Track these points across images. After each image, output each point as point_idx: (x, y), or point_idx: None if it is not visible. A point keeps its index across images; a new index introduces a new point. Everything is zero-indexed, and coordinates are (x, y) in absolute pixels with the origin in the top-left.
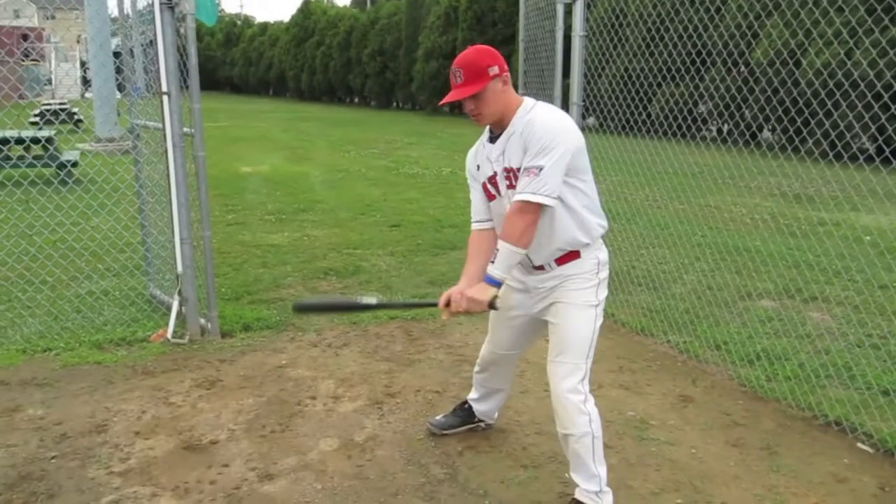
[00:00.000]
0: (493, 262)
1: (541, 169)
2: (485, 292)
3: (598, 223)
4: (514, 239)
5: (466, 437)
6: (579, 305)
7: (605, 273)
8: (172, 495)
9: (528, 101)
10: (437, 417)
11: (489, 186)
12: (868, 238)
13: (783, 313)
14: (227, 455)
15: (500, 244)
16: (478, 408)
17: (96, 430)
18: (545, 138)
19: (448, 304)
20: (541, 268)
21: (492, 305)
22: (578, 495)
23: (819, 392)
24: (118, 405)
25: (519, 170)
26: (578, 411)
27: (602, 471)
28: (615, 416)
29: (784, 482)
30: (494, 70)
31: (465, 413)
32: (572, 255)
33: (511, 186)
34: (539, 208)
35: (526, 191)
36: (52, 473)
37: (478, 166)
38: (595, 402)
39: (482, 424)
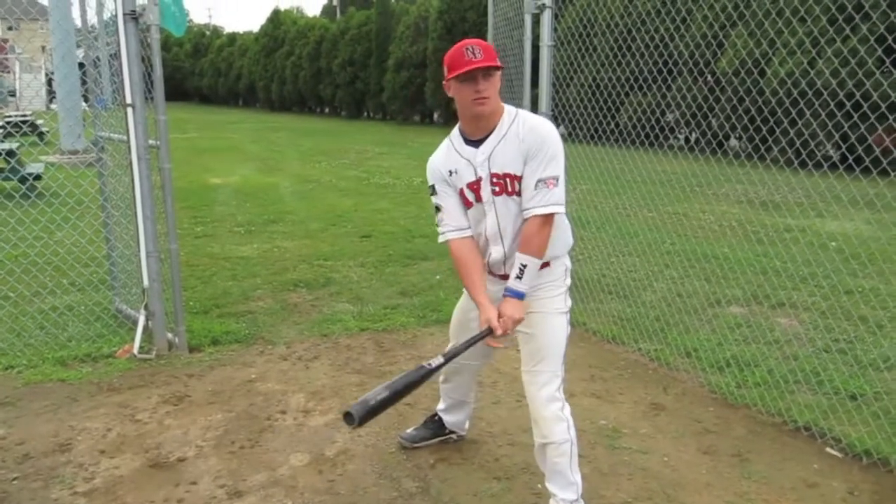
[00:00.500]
0: (518, 277)
1: (557, 179)
2: (521, 309)
3: (572, 233)
4: (540, 254)
5: (438, 449)
6: (552, 313)
7: (569, 281)
8: None
9: (510, 108)
10: (409, 430)
11: (467, 192)
12: (833, 244)
13: (752, 320)
14: (195, 472)
15: (527, 259)
16: (447, 419)
17: (60, 449)
18: (554, 147)
19: (495, 331)
20: (505, 277)
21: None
22: None
23: (788, 398)
24: (83, 423)
25: (518, 177)
26: (558, 419)
27: (578, 478)
28: (587, 426)
29: (755, 489)
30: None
31: (435, 425)
32: (544, 264)
33: (499, 193)
34: (551, 220)
35: (550, 203)
36: (14, 495)
37: (451, 171)
38: (570, 408)
39: (453, 436)
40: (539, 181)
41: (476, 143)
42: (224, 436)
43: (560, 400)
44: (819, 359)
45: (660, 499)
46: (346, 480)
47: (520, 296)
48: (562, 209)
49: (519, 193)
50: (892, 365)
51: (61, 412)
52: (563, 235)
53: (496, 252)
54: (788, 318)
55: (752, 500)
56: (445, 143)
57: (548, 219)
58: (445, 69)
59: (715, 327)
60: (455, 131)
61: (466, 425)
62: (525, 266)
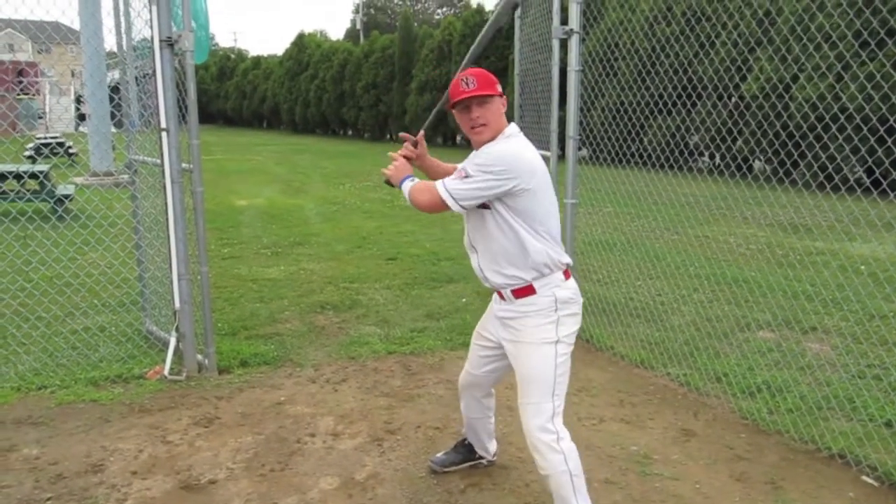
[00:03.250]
0: (412, 179)
1: (467, 176)
2: (399, 174)
3: (552, 259)
4: (411, 195)
5: (468, 474)
6: (535, 343)
7: (567, 311)
8: None
9: (511, 128)
10: (439, 455)
11: None
12: (863, 268)
13: (782, 344)
14: (226, 495)
15: (415, 183)
16: (473, 442)
17: (92, 469)
18: (488, 159)
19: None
20: (501, 296)
21: (388, 183)
22: None
23: (822, 424)
24: (115, 444)
25: None
26: (551, 450)
27: None
28: (618, 451)
29: None
30: (499, 88)
31: (465, 449)
32: (527, 291)
33: (465, 209)
34: (439, 202)
35: (447, 183)
36: None
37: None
38: (570, 439)
39: (483, 461)
40: (461, 167)
41: None
42: (254, 458)
43: (553, 432)
44: (853, 385)
45: None
46: None
47: (408, 177)
48: (449, 200)
49: (487, 206)
50: None
51: (93, 433)
52: (532, 255)
53: (473, 261)
54: (819, 344)
55: None
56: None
57: (433, 191)
58: (448, 100)
59: (745, 352)
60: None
61: (493, 449)
62: (412, 179)
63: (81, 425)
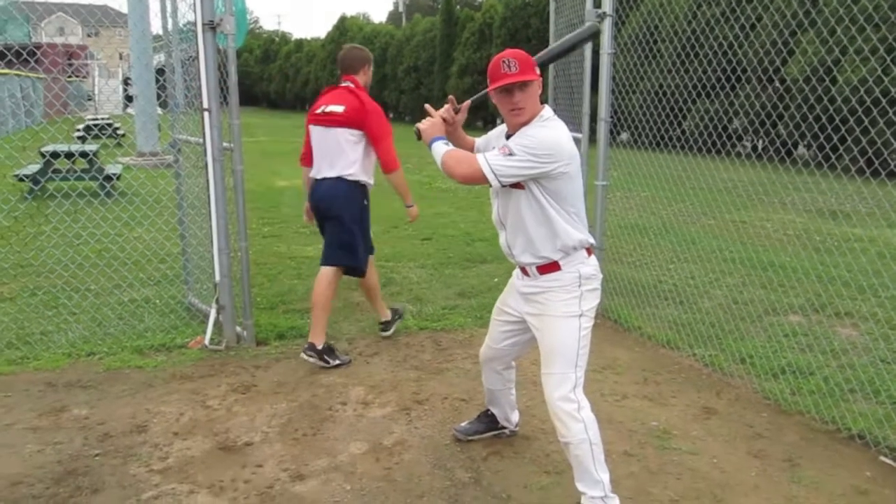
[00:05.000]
0: (447, 143)
1: (511, 154)
2: (433, 131)
3: (579, 238)
4: (447, 162)
5: (491, 443)
6: (560, 316)
7: (589, 286)
8: (208, 493)
9: (547, 112)
10: (463, 424)
11: None
12: None
13: (810, 328)
14: (260, 456)
15: (450, 149)
16: (494, 412)
17: (137, 430)
18: (533, 141)
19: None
20: (525, 272)
21: (417, 136)
22: (584, 502)
23: (843, 405)
24: (158, 407)
25: None
26: (573, 419)
27: (605, 476)
28: (638, 426)
29: (804, 493)
30: (538, 71)
31: (488, 419)
32: (552, 267)
33: (504, 186)
34: (479, 174)
35: (489, 157)
36: (96, 470)
37: (493, 148)
38: (591, 408)
39: (506, 431)
40: (503, 144)
41: (509, 137)
42: (288, 424)
43: (574, 401)
44: (876, 368)
45: (707, 499)
46: (402, 469)
47: (430, 143)
48: (490, 175)
49: (521, 186)
50: None
51: (138, 396)
52: (561, 236)
53: (501, 237)
54: (848, 328)
55: None
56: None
57: (478, 166)
58: (488, 79)
59: (771, 335)
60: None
61: (516, 419)
62: (447, 143)
63: (127, 389)
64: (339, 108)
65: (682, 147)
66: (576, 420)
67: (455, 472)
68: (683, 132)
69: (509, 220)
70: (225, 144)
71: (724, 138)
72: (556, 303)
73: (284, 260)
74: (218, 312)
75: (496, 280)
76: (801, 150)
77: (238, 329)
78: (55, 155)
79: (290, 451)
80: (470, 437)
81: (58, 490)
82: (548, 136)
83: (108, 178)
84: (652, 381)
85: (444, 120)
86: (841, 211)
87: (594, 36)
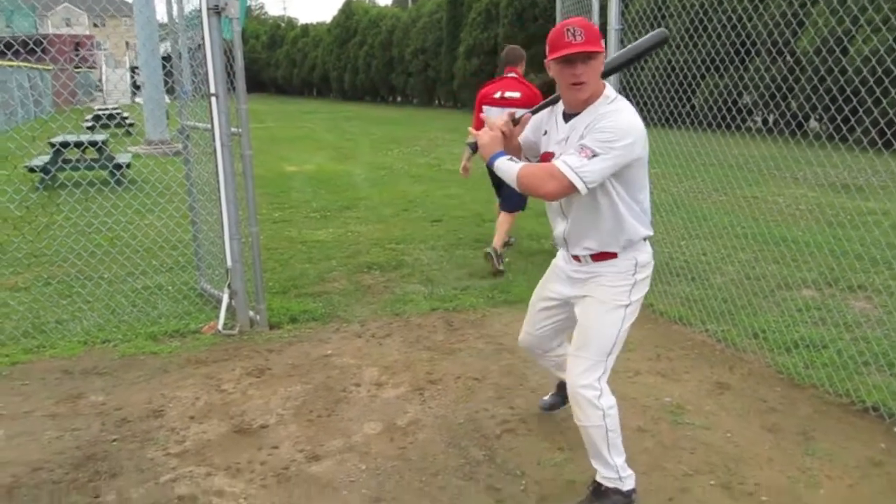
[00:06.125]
0: (511, 159)
1: (595, 155)
2: (494, 147)
3: (643, 234)
4: (525, 180)
5: (505, 420)
6: (608, 304)
7: (643, 274)
8: (226, 474)
9: (610, 91)
10: (545, 398)
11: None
12: None
13: (823, 302)
14: (276, 438)
15: (524, 165)
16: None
17: (153, 415)
18: (615, 133)
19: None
20: (577, 258)
21: (472, 147)
22: (598, 477)
23: (857, 378)
24: (173, 392)
25: None
26: (592, 406)
27: (619, 461)
28: (651, 402)
29: (818, 465)
30: (603, 44)
31: (564, 392)
32: (609, 256)
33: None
34: (568, 187)
35: (572, 164)
36: (114, 454)
37: (545, 132)
38: (612, 396)
39: None
40: (579, 145)
41: (568, 118)
42: (302, 405)
43: (598, 389)
44: (891, 340)
45: (721, 472)
46: (417, 448)
47: (493, 160)
48: (577, 181)
49: None
50: None
51: (154, 382)
52: (627, 232)
53: (559, 227)
54: (862, 301)
55: (815, 476)
56: (555, 107)
57: (559, 174)
58: (547, 48)
59: (784, 309)
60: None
61: None
62: (511, 159)
63: (143, 375)
64: (516, 94)
65: (693, 123)
66: (595, 408)
67: (469, 450)
68: (693, 108)
69: (573, 213)
70: (233, 129)
71: (735, 113)
72: (606, 287)
73: (295, 244)
74: (231, 297)
75: (507, 259)
76: (813, 123)
77: (251, 313)
78: (65, 144)
79: (305, 433)
80: (553, 411)
81: (77, 475)
82: (623, 121)
83: (118, 166)
84: (665, 357)
85: (503, 133)
86: (854, 184)
87: (663, 42)
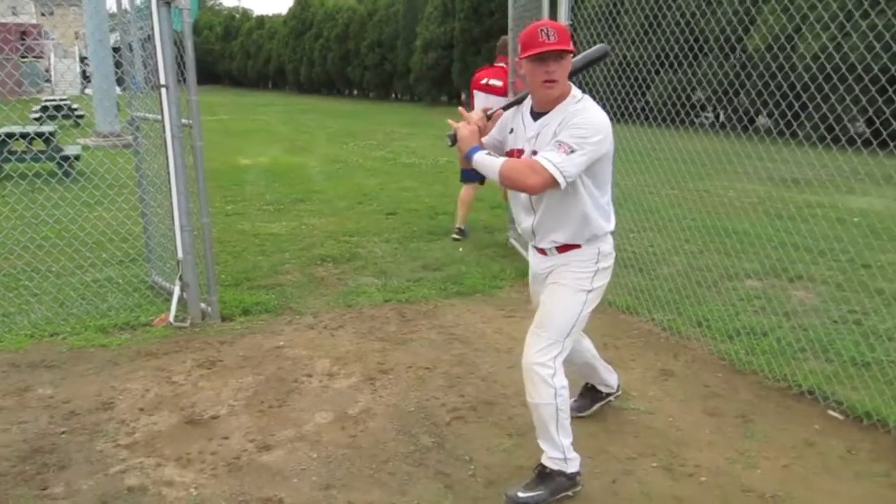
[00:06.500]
0: (489, 153)
1: (572, 151)
2: (472, 140)
3: (606, 230)
4: (508, 174)
5: (455, 408)
6: (571, 287)
7: (605, 263)
8: (176, 465)
9: (576, 91)
10: (573, 402)
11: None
12: (856, 220)
13: (765, 292)
14: (227, 428)
15: (505, 160)
16: (593, 383)
17: (103, 407)
18: (588, 130)
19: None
20: (542, 252)
21: (452, 139)
22: (544, 459)
23: (793, 364)
24: (123, 384)
25: None
26: (545, 384)
27: (566, 442)
28: None
29: (756, 447)
30: (573, 45)
31: (591, 392)
32: (573, 247)
33: None
34: (550, 181)
35: (553, 159)
36: (63, 447)
37: (511, 129)
38: (565, 378)
39: (610, 397)
40: (556, 141)
41: (537, 116)
42: (254, 396)
43: (552, 368)
44: (828, 329)
45: (663, 455)
46: (368, 436)
47: (471, 154)
48: (559, 176)
49: None
50: None
51: (103, 374)
52: (591, 226)
53: (527, 221)
54: (804, 291)
55: (753, 458)
56: (521, 106)
57: (540, 169)
58: (520, 47)
59: (728, 299)
60: (528, 99)
61: (613, 381)
62: (490, 154)
63: (92, 368)
64: (498, 83)
65: (647, 119)
66: (548, 385)
67: (419, 437)
68: (647, 103)
69: (542, 207)
70: (184, 121)
71: (689, 109)
72: (570, 273)
73: (248, 237)
74: (182, 290)
75: (461, 250)
76: (762, 119)
77: (203, 306)
78: (10, 135)
79: (256, 423)
80: (582, 414)
81: (24, 468)
82: (593, 117)
83: (67, 158)
84: (612, 345)
85: (478, 127)
86: (801, 179)
87: (604, 57)
